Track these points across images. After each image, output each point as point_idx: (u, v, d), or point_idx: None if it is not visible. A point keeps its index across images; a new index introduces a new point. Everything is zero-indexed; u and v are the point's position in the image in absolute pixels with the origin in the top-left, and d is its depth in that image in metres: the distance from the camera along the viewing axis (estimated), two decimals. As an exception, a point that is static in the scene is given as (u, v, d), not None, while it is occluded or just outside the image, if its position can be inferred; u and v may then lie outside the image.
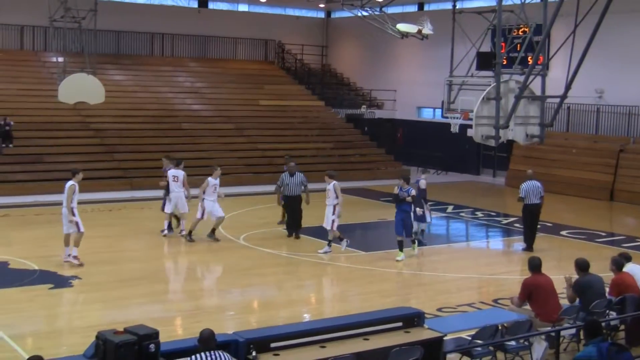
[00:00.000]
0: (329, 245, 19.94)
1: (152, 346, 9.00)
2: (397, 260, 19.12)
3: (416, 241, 20.29)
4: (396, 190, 19.46)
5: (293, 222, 21.72)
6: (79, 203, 17.99)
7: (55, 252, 18.69)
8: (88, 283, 16.57)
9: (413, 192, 19.33)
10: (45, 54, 37.64)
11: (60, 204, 17.99)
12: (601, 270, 15.26)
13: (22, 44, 38.59)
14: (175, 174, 21.29)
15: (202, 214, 20.84)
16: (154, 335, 9.11)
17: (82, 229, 17.74)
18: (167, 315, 14.66)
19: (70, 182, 17.77)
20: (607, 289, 13.28)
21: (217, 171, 21.15)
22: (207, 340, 9.00)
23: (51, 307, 15.13)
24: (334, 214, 19.81)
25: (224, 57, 43.96)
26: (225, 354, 8.98)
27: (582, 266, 13.08)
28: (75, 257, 17.73)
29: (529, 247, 20.88)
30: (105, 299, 15.78)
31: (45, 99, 32.64)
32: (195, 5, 43.60)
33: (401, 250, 19.29)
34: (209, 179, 20.89)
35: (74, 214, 17.64)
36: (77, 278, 16.79)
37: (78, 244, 17.79)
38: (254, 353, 9.88)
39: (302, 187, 21.65)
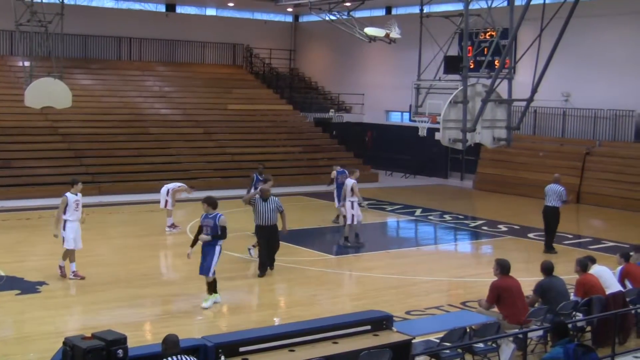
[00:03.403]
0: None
1: (120, 351, 8.98)
2: (204, 308, 15.37)
3: (213, 294, 15.54)
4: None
5: (268, 256, 18.27)
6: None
7: (22, 258, 18.54)
8: (55, 289, 16.47)
9: (223, 219, 15.25)
10: (11, 58, 37.29)
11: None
12: (568, 272, 15.43)
13: (-13, 48, 38.30)
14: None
15: (353, 218, 21.42)
16: (122, 340, 9.08)
17: (66, 246, 17.07)
18: (136, 320, 14.59)
19: (65, 194, 17.10)
20: (573, 291, 13.47)
21: (357, 172, 22.04)
22: (172, 345, 9.00)
23: (18, 313, 14.99)
24: None
25: (192, 61, 43.83)
26: (193, 358, 8.98)
27: (546, 269, 13.28)
28: (71, 272, 17.11)
29: (546, 248, 21.44)
30: (73, 304, 15.70)
31: (12, 104, 32.34)
32: (162, 9, 43.42)
33: (210, 292, 15.53)
34: (353, 181, 21.45)
35: (64, 228, 16.98)
36: (44, 284, 16.66)
37: (66, 257, 17.18)
38: (222, 357, 9.88)
39: (278, 214, 18.27)
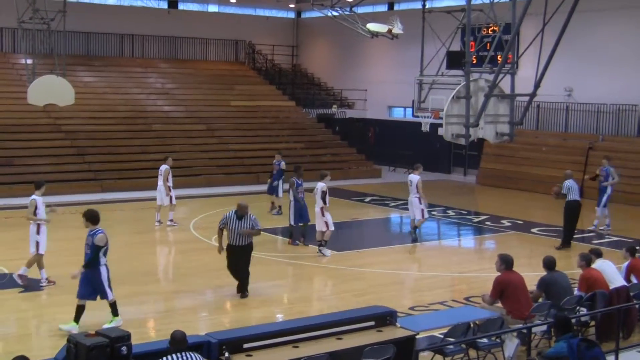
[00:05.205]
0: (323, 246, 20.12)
1: (124, 348, 8.99)
2: (62, 329, 13.22)
3: (117, 315, 13.70)
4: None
5: (239, 283, 16.01)
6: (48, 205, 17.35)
7: (25, 256, 18.50)
8: (59, 286, 16.43)
9: (100, 236, 13.27)
10: (14, 55, 37.32)
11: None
12: (571, 266, 15.41)
13: (-10, 46, 38.30)
14: (160, 169, 23.26)
15: (423, 213, 21.97)
16: (125, 337, 9.09)
17: (41, 251, 16.32)
18: (139, 317, 14.59)
19: (32, 196, 16.32)
20: (576, 285, 13.45)
21: (420, 168, 22.30)
22: (179, 342, 8.98)
23: (22, 310, 15.02)
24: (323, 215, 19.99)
25: (194, 58, 43.82)
26: (196, 355, 8.97)
27: (548, 264, 13.28)
28: (44, 280, 16.45)
29: (565, 243, 21.41)
30: (76, 301, 15.66)
31: (14, 101, 32.37)
32: (165, 6, 43.40)
33: (76, 319, 13.34)
34: (418, 177, 21.83)
35: (38, 232, 16.33)
36: (47, 281, 16.65)
37: (31, 264, 16.36)
38: (226, 354, 9.88)
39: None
